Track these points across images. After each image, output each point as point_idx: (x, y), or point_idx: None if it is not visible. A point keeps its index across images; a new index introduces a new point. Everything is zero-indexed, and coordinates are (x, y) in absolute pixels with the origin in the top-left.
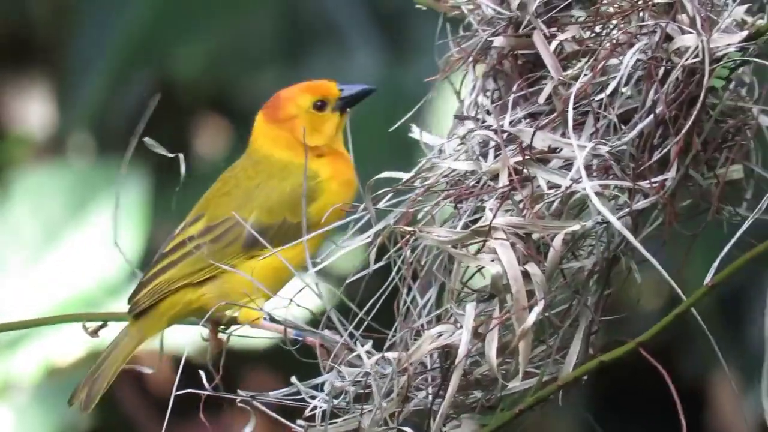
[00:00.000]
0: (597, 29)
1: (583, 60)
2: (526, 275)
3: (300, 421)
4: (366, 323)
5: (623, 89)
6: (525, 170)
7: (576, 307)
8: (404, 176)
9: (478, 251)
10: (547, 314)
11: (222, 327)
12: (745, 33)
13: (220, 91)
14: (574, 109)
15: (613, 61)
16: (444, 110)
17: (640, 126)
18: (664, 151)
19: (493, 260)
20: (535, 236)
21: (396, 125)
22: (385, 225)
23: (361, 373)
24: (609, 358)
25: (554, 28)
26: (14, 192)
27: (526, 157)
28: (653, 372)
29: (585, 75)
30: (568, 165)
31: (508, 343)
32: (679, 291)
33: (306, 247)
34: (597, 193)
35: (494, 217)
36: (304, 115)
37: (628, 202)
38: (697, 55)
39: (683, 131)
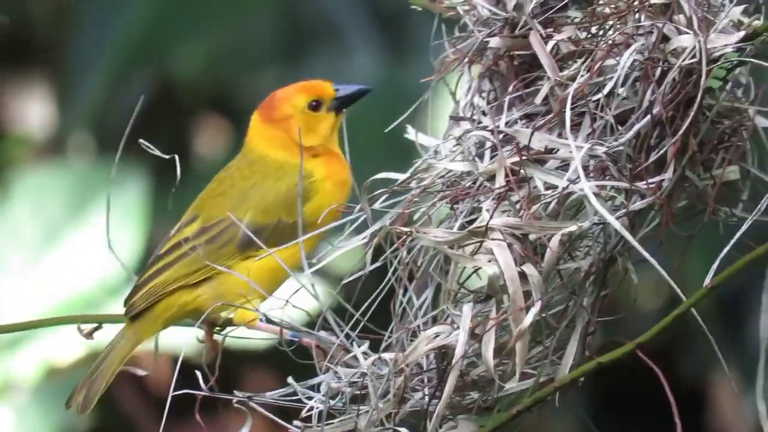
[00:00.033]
0: (593, 30)
1: (580, 61)
2: (522, 276)
3: (297, 422)
4: (362, 324)
5: (620, 90)
6: (522, 171)
7: (573, 308)
8: (400, 177)
9: (475, 252)
10: (543, 315)
11: (217, 328)
12: (742, 33)
13: (220, 91)
14: (570, 109)
15: (610, 61)
16: (443, 111)
17: (637, 127)
18: (661, 152)
19: (490, 261)
20: (531, 237)
21: (391, 126)
22: (381, 226)
23: (358, 374)
24: (607, 360)
25: (550, 29)
26: (14, 192)
27: (523, 157)
28: (652, 373)
29: (582, 76)
30: (564, 166)
31: (504, 344)
32: (680, 292)
33: (302, 248)
34: (594, 194)
35: (491, 217)
36: (300, 115)
37: (624, 203)
38: (694, 56)
39: (680, 132)
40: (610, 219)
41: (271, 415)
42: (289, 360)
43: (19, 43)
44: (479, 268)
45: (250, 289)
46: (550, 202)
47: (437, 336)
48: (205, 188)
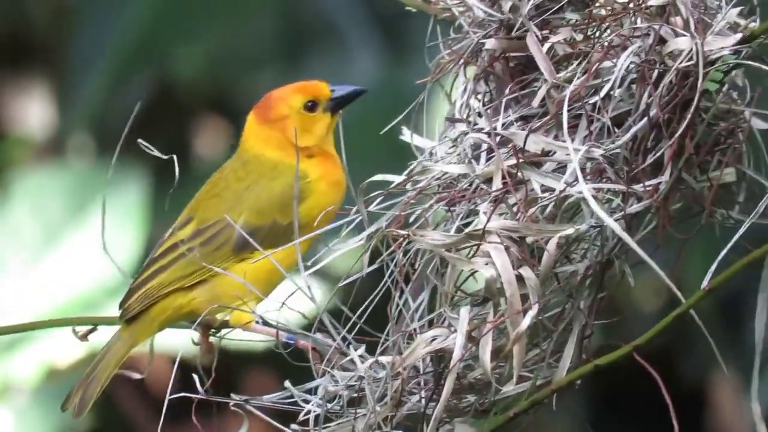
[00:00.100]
0: (590, 32)
1: (576, 63)
2: (520, 279)
3: (294, 425)
4: (359, 326)
5: (617, 92)
6: (519, 173)
7: (570, 311)
8: (397, 179)
9: (472, 255)
10: (540, 318)
11: (213, 330)
12: (739, 36)
13: (220, 91)
14: (567, 112)
15: (606, 63)
16: (440, 112)
17: (633, 129)
18: (658, 154)
19: (487, 264)
20: (529, 240)
21: (387, 127)
22: (377, 228)
23: (355, 377)
24: (604, 362)
25: (546, 31)
26: (14, 193)
27: (520, 160)
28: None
29: (578, 78)
30: (561, 168)
31: (502, 347)
32: (679, 294)
33: (298, 250)
34: (591, 197)
35: (488, 220)
36: (296, 116)
37: (621, 205)
38: (690, 58)
39: (677, 134)
40: (608, 221)
41: (268, 419)
42: (288, 361)
43: (19, 43)
44: (476, 271)
45: (245, 291)
46: (547, 205)
47: (434, 339)
48: (199, 190)
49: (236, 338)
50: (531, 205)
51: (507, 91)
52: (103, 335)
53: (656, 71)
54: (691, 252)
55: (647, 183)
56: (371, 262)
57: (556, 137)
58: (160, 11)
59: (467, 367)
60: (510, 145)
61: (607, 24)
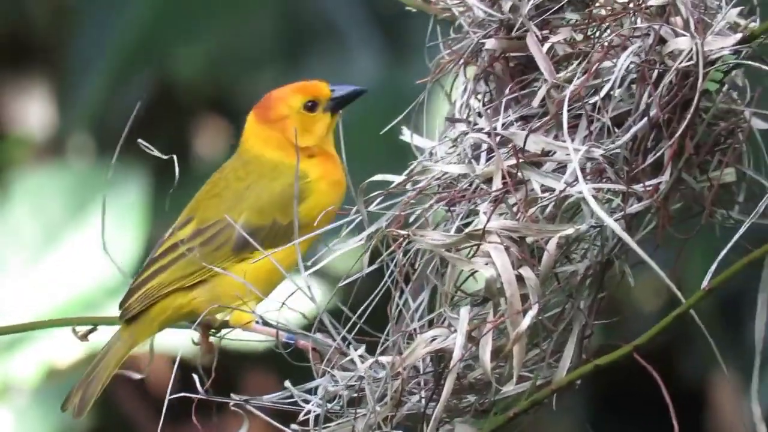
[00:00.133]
0: (590, 32)
1: (576, 63)
2: (520, 279)
3: (294, 425)
4: (359, 326)
5: (617, 92)
6: (519, 173)
7: (570, 311)
8: (397, 179)
9: (473, 255)
10: (540, 318)
11: (213, 330)
12: (739, 36)
13: (220, 91)
14: (567, 112)
15: (607, 63)
16: (440, 112)
17: (633, 129)
18: (658, 154)
19: (487, 264)
20: (529, 240)
21: (387, 127)
22: (377, 228)
23: (355, 377)
24: (604, 362)
25: (546, 31)
26: (14, 193)
27: (520, 160)
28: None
29: (578, 78)
30: (561, 168)
31: (502, 347)
32: (679, 294)
33: (298, 250)
34: (591, 197)
35: (488, 220)
36: (295, 116)
37: (621, 205)
38: (691, 58)
39: (677, 134)
40: (608, 221)
41: (268, 419)
42: (288, 361)
43: (19, 43)
44: (476, 271)
45: (245, 291)
46: (547, 205)
47: (434, 339)
48: (199, 190)
49: (236, 338)
50: (531, 205)
51: (507, 91)
52: (104, 335)
53: (656, 71)
54: (691, 252)
55: (647, 183)
56: (371, 262)
57: (556, 137)
58: (160, 11)
59: (467, 367)
60: (510, 145)
61: (607, 24)
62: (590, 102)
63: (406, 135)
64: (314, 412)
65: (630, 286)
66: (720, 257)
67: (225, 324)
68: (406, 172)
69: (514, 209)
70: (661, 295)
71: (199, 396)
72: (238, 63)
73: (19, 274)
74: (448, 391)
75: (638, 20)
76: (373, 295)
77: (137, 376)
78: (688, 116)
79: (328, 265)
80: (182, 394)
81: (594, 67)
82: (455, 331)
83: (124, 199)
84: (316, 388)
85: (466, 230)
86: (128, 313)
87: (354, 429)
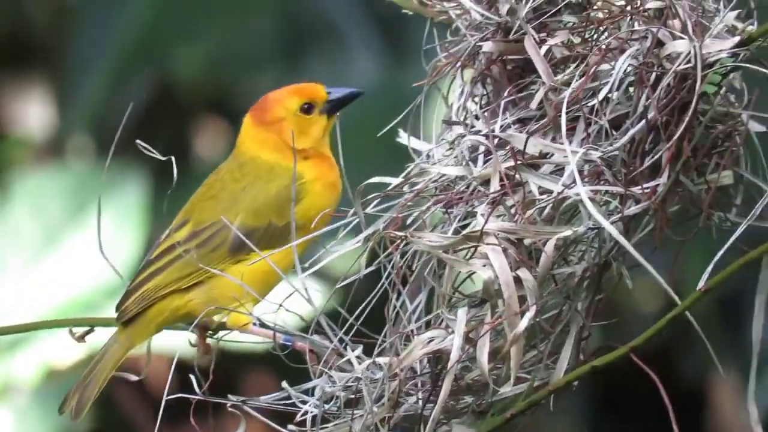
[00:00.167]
0: (587, 35)
1: (573, 65)
2: (517, 281)
3: (291, 426)
4: (356, 328)
5: (614, 95)
6: (516, 175)
7: (567, 313)
8: (394, 181)
9: (470, 256)
10: (538, 320)
11: (210, 332)
12: (737, 38)
13: (220, 91)
14: (565, 114)
15: (604, 66)
16: (437, 115)
17: (631, 132)
18: (656, 156)
19: (484, 265)
20: (526, 241)
21: (385, 129)
22: (374, 230)
23: (352, 378)
24: (601, 363)
25: (544, 34)
26: (14, 194)
27: (518, 162)
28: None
29: (576, 80)
30: (559, 170)
31: (499, 348)
32: (675, 296)
33: (295, 251)
34: (589, 199)
35: (486, 222)
36: (292, 118)
37: (619, 207)
38: (689, 61)
39: (675, 137)
40: (605, 224)
41: (265, 419)
42: (285, 362)
43: (19, 43)
44: (474, 273)
45: (242, 293)
46: (544, 207)
47: (432, 340)
48: (195, 192)
49: (233, 340)
50: (529, 207)
51: (504, 93)
52: (104, 336)
53: (654, 74)
54: (689, 254)
55: (645, 185)
56: (369, 264)
57: (553, 139)
58: (160, 11)
59: (465, 369)
60: (508, 147)
61: (604, 27)
62: (588, 105)
63: (403, 137)
64: (311, 412)
65: (629, 287)
66: (716, 259)
67: (222, 326)
68: (404, 174)
69: (512, 211)
70: (660, 296)
71: (196, 397)
72: (238, 63)
73: (19, 275)
74: (445, 393)
75: (636, 23)
76: (370, 297)
77: (135, 377)
78: (686, 119)
79: (325, 266)
80: (180, 395)
81: (592, 70)
82: (453, 332)
83: (124, 199)
84: (314, 388)
85: (464, 232)
86: (125, 315)
87: (351, 430)
